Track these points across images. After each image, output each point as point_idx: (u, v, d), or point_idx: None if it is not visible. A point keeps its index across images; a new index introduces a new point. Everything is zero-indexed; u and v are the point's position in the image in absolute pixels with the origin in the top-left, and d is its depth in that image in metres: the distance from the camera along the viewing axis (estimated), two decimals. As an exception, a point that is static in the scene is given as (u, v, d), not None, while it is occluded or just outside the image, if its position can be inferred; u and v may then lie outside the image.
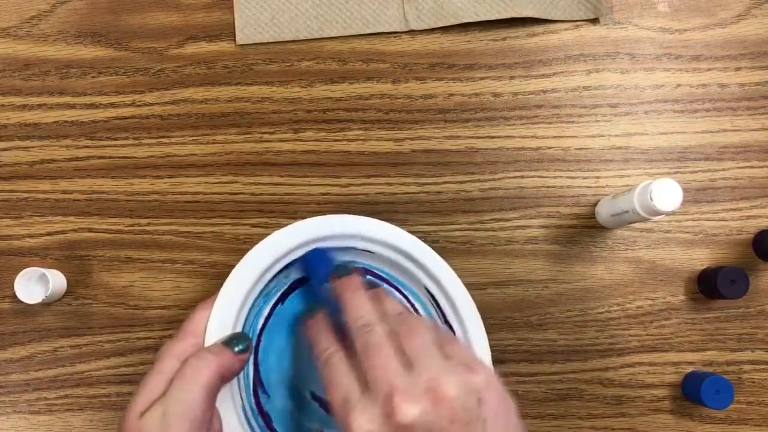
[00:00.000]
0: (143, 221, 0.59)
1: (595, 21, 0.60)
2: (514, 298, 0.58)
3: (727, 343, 0.57)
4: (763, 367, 0.57)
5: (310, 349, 0.44)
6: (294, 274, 0.49)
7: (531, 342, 0.58)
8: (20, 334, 0.58)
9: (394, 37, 0.60)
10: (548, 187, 0.59)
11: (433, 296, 0.51)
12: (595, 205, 0.58)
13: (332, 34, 0.59)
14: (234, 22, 0.60)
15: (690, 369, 0.57)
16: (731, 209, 0.58)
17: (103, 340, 0.58)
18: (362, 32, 0.59)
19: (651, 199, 0.48)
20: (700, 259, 0.58)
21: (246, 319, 0.45)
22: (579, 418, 0.57)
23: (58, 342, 0.58)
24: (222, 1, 0.60)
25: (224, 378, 0.40)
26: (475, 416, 0.33)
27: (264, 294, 0.47)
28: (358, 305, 0.40)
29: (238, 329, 0.44)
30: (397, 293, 0.51)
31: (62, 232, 0.59)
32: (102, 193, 0.59)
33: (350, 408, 0.35)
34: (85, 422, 0.58)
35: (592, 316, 0.58)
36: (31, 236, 0.59)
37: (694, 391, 0.55)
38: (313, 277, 0.47)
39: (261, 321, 0.47)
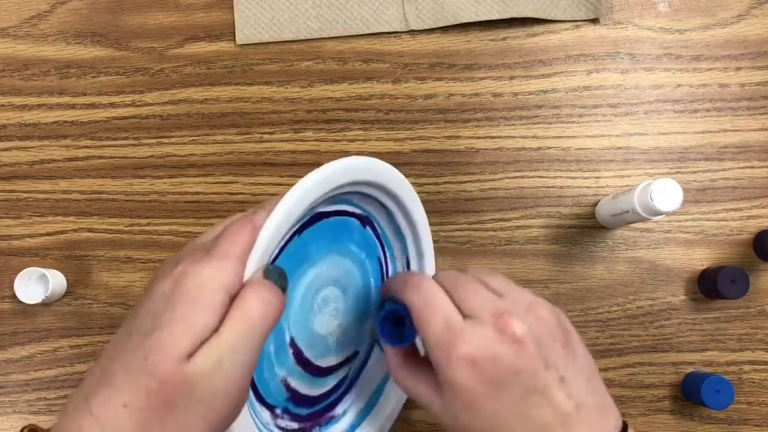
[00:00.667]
0: (143, 221, 0.59)
1: (595, 21, 0.60)
2: (514, 298, 0.58)
3: (727, 344, 0.57)
4: (763, 367, 0.57)
5: (311, 293, 0.45)
6: (318, 207, 0.44)
7: (531, 342, 0.58)
8: (20, 334, 0.58)
9: (394, 37, 0.60)
10: (548, 187, 0.59)
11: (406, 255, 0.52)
12: (595, 205, 0.58)
13: (332, 34, 0.59)
14: (234, 22, 0.60)
15: (690, 369, 0.57)
16: (731, 209, 0.58)
17: (103, 340, 0.58)
18: (362, 32, 0.59)
19: (651, 199, 0.48)
20: (700, 259, 0.58)
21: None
22: (579, 418, 0.57)
23: (58, 342, 0.58)
24: (222, 1, 0.60)
25: (275, 325, 0.35)
26: (565, 336, 0.38)
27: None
28: (414, 273, 0.42)
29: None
30: (381, 251, 0.51)
31: (62, 232, 0.59)
32: (102, 193, 0.59)
33: (457, 331, 0.36)
34: (85, 422, 0.58)
35: (593, 316, 0.58)
36: (31, 236, 0.59)
37: (694, 392, 0.55)
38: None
39: (275, 251, 0.42)
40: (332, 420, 0.51)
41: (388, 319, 0.44)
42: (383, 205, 0.48)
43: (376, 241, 0.51)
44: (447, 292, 0.39)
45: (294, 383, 0.47)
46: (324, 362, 0.48)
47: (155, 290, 0.33)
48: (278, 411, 0.47)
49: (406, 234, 0.51)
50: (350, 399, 0.52)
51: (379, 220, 0.50)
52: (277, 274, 0.35)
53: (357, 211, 0.48)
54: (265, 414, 0.46)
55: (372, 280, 0.50)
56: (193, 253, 0.35)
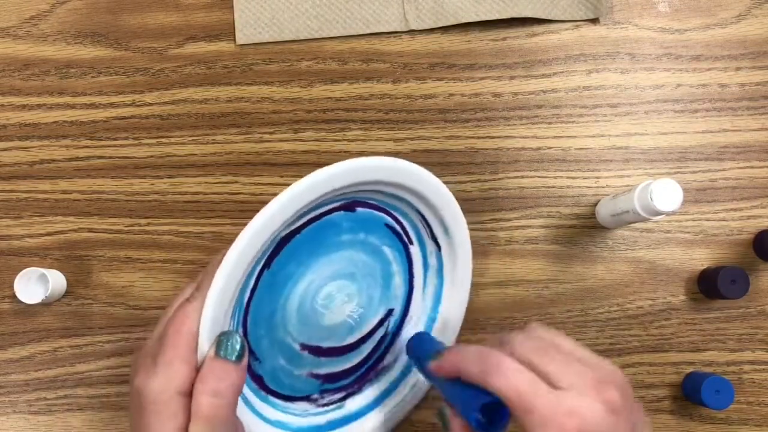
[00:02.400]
0: (143, 221, 0.59)
1: (595, 21, 0.60)
2: (514, 298, 0.58)
3: (727, 344, 0.57)
4: (763, 367, 0.57)
5: (308, 301, 0.47)
6: (280, 233, 0.44)
7: (531, 342, 0.58)
8: (20, 334, 0.58)
9: (394, 37, 0.60)
10: (548, 187, 0.59)
11: (423, 216, 0.51)
12: (595, 205, 0.58)
13: (332, 34, 0.59)
14: (234, 22, 0.60)
15: (690, 369, 0.57)
16: (731, 209, 0.58)
17: (103, 340, 0.58)
18: (362, 32, 0.59)
19: (651, 199, 0.48)
20: (700, 259, 0.58)
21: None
22: (579, 418, 0.57)
23: (58, 342, 0.58)
24: (222, 1, 0.60)
25: (239, 393, 0.39)
26: (634, 398, 0.39)
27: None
28: (475, 352, 0.40)
29: (228, 317, 0.41)
30: (387, 216, 0.50)
31: (62, 232, 0.59)
32: (102, 193, 0.59)
33: (562, 407, 0.36)
34: (85, 422, 0.58)
35: (593, 316, 0.58)
36: (31, 236, 0.59)
37: (694, 391, 0.55)
38: (423, 358, 0.46)
39: (247, 294, 0.45)
40: (383, 371, 0.53)
41: (485, 409, 0.40)
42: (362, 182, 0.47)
43: (376, 212, 0.50)
44: (530, 366, 0.38)
45: (323, 370, 0.50)
46: (353, 338, 0.51)
47: (130, 402, 0.38)
48: (315, 396, 0.50)
49: (403, 195, 0.49)
50: (396, 349, 0.54)
51: (364, 198, 0.49)
52: (227, 346, 0.38)
53: (336, 204, 0.47)
54: (300, 405, 0.49)
55: (385, 248, 0.51)
56: (144, 362, 0.38)
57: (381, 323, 0.52)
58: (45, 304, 0.58)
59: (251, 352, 0.46)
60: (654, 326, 0.58)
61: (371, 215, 0.50)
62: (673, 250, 0.58)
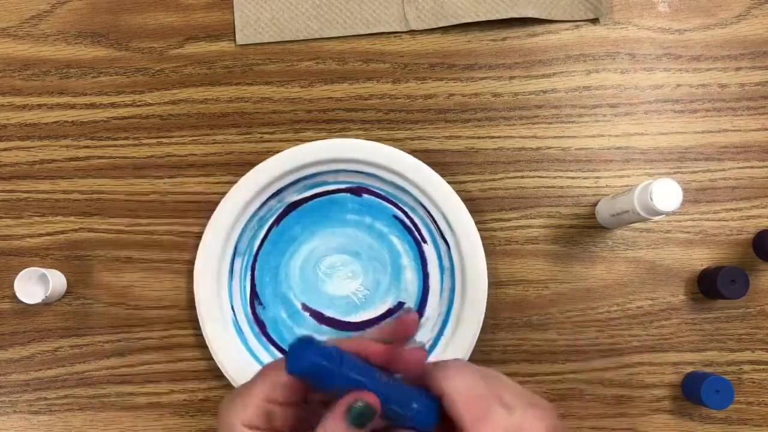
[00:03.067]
0: (143, 221, 0.59)
1: (595, 21, 0.60)
2: (514, 298, 0.58)
3: (727, 343, 0.57)
4: (763, 367, 0.57)
5: (310, 265, 0.56)
6: (288, 198, 0.57)
7: (531, 342, 0.58)
8: (20, 334, 0.58)
9: (394, 37, 0.60)
10: (548, 187, 0.59)
11: (429, 213, 0.56)
12: (595, 205, 0.58)
13: (332, 34, 0.59)
14: (234, 22, 0.60)
15: (690, 369, 0.57)
16: (731, 209, 0.58)
17: (103, 340, 0.58)
18: (362, 32, 0.59)
19: (651, 199, 0.48)
20: (700, 259, 0.58)
21: (242, 242, 0.56)
22: (579, 418, 0.57)
23: (58, 342, 0.58)
24: (222, 1, 0.60)
25: None
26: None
27: (258, 218, 0.57)
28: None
29: (229, 252, 0.55)
30: (396, 209, 0.57)
31: (62, 232, 0.59)
32: (102, 193, 0.59)
33: (505, 410, 0.36)
34: (85, 422, 0.58)
35: (593, 316, 0.58)
36: (31, 236, 0.59)
37: (694, 391, 0.55)
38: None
39: (257, 243, 0.57)
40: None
41: None
42: (366, 173, 0.56)
43: (384, 202, 0.57)
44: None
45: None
46: (356, 317, 0.56)
47: None
48: None
49: (408, 188, 0.55)
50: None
51: (371, 186, 0.56)
52: (358, 415, 0.35)
53: (343, 186, 0.57)
54: None
55: (393, 237, 0.57)
56: (232, 392, 0.38)
57: (390, 313, 0.55)
58: (45, 304, 0.58)
59: (256, 296, 0.56)
60: (654, 326, 0.58)
61: (378, 203, 0.57)
62: (673, 250, 0.58)
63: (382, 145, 0.55)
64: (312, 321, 0.56)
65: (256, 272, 0.57)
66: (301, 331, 0.56)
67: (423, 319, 0.56)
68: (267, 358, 0.56)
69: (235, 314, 0.56)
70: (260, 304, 0.57)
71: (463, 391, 0.37)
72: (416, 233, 0.57)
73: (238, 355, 0.55)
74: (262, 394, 0.36)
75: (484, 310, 0.55)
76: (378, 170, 0.55)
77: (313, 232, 0.57)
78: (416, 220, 0.57)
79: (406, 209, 0.57)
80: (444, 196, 0.55)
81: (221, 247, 0.55)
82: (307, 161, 0.55)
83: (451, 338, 0.54)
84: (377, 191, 0.56)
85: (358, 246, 0.56)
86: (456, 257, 0.55)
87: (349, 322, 0.56)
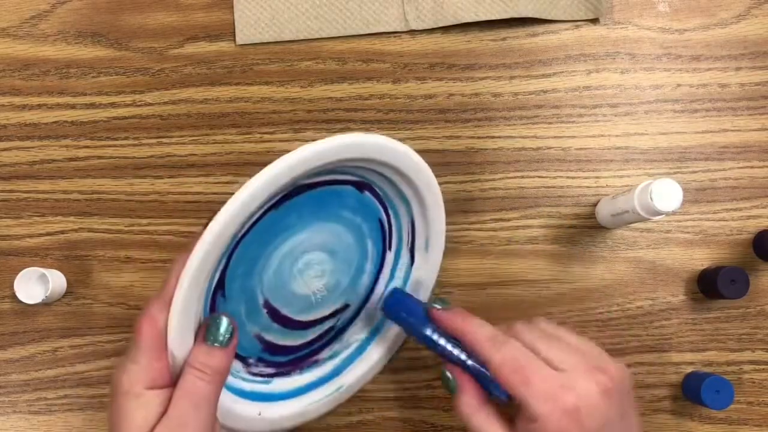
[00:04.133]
0: (143, 221, 0.59)
1: (595, 21, 0.60)
2: (514, 298, 0.58)
3: (727, 343, 0.57)
4: (763, 367, 0.57)
5: (290, 259, 0.47)
6: (284, 176, 0.42)
7: (531, 342, 0.58)
8: (20, 334, 0.58)
9: (394, 37, 0.60)
10: (548, 187, 0.59)
11: (413, 225, 0.52)
12: (595, 205, 0.58)
13: (332, 34, 0.59)
14: (234, 22, 0.60)
15: (690, 369, 0.57)
16: (731, 209, 0.58)
17: (103, 340, 0.58)
18: (362, 32, 0.59)
19: (651, 199, 0.48)
20: (700, 259, 0.58)
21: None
22: (579, 418, 0.57)
23: (58, 342, 0.58)
24: (222, 1, 0.60)
25: (224, 375, 0.41)
26: (630, 388, 0.42)
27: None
28: (485, 326, 0.44)
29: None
30: (383, 212, 0.51)
31: (62, 232, 0.59)
32: (102, 193, 0.59)
33: (560, 384, 0.39)
34: (85, 422, 0.58)
35: (593, 316, 0.58)
36: (31, 236, 0.59)
37: (694, 391, 0.55)
38: (412, 318, 0.49)
39: (243, 229, 0.44)
40: (314, 364, 0.53)
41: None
42: (382, 174, 0.48)
43: (376, 203, 0.51)
44: (533, 348, 0.41)
45: (269, 337, 0.50)
46: (306, 317, 0.51)
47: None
48: (251, 360, 0.50)
49: (409, 198, 0.50)
50: (336, 346, 0.54)
51: (378, 184, 0.50)
52: (214, 331, 0.41)
53: (352, 178, 0.48)
54: (237, 364, 0.49)
55: (369, 241, 0.51)
56: (122, 359, 0.40)
57: (334, 314, 0.52)
58: (45, 304, 0.58)
59: (221, 287, 0.46)
60: (654, 326, 0.58)
61: (372, 204, 0.50)
62: (673, 250, 0.58)
63: (412, 151, 0.47)
64: (267, 319, 0.49)
65: (231, 261, 0.45)
66: (250, 329, 0.49)
67: (356, 319, 0.54)
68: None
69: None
70: (222, 296, 0.46)
71: (499, 362, 0.41)
72: (387, 240, 0.52)
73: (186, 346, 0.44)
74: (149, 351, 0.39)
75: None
76: (395, 175, 0.48)
77: (306, 223, 0.47)
78: (394, 226, 0.52)
79: (391, 214, 0.52)
80: (438, 226, 0.52)
81: (193, 310, 0.42)
82: (343, 157, 0.44)
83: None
84: (378, 191, 0.50)
85: (338, 245, 0.49)
86: (415, 276, 0.53)
87: (297, 321, 0.51)
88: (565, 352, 0.41)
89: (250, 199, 0.40)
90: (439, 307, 0.46)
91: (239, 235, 0.44)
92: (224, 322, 0.41)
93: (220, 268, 0.45)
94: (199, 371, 0.39)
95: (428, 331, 0.47)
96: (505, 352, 0.41)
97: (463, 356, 0.45)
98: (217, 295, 0.46)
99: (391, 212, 0.52)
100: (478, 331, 0.43)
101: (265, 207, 0.44)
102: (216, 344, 0.40)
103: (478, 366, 0.44)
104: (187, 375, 0.39)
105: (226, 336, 0.41)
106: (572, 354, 0.41)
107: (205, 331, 0.41)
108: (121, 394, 0.38)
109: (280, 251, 0.47)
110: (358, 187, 0.49)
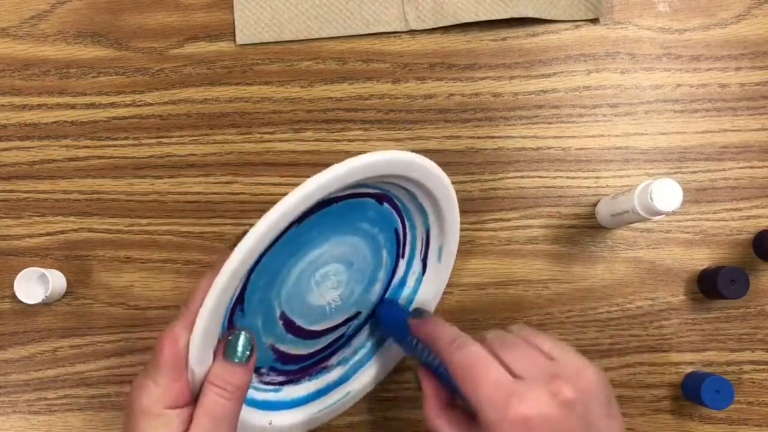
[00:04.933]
0: (143, 221, 0.59)
1: (595, 21, 0.60)
2: (514, 298, 0.58)
3: (727, 344, 0.57)
4: (763, 367, 0.57)
5: (309, 272, 0.47)
6: (317, 195, 0.41)
7: (531, 342, 0.58)
8: (20, 334, 0.58)
9: (394, 37, 0.60)
10: (548, 187, 0.59)
11: (428, 235, 0.52)
12: (595, 205, 0.58)
13: (332, 34, 0.59)
14: (234, 22, 0.60)
15: (690, 369, 0.57)
16: (731, 209, 0.58)
17: (103, 340, 0.58)
18: (362, 32, 0.59)
19: (651, 199, 0.48)
20: (700, 259, 0.58)
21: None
22: (579, 418, 0.57)
23: (58, 342, 0.58)
24: (222, 1, 0.60)
25: (244, 392, 0.41)
26: (608, 401, 0.39)
27: None
28: (452, 330, 0.43)
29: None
30: (400, 222, 0.51)
31: (62, 232, 0.59)
32: (102, 193, 0.59)
33: (511, 390, 0.37)
34: (85, 422, 0.58)
35: (593, 316, 0.58)
36: (31, 236, 0.59)
37: (694, 391, 0.55)
38: (395, 331, 0.50)
39: (267, 243, 0.42)
40: (324, 370, 0.53)
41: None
42: (403, 187, 0.48)
43: (395, 214, 0.50)
44: (495, 353, 0.40)
45: (283, 347, 0.50)
46: (319, 326, 0.51)
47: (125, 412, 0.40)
48: (264, 370, 0.50)
49: (427, 209, 0.50)
50: (346, 352, 0.54)
51: (399, 196, 0.49)
52: (234, 348, 0.40)
53: (372, 190, 0.48)
54: None
55: (384, 251, 0.51)
56: (141, 377, 0.40)
57: (346, 322, 0.52)
58: (45, 304, 0.58)
59: (240, 302, 0.45)
60: (654, 326, 0.58)
61: (390, 215, 0.50)
62: (673, 250, 0.58)
63: (437, 167, 0.47)
64: (281, 330, 0.49)
65: (253, 274, 0.45)
66: (266, 340, 0.49)
67: (364, 327, 0.54)
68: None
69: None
70: (241, 311, 0.46)
71: (458, 360, 0.40)
72: (401, 249, 0.53)
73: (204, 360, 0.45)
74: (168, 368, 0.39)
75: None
76: (417, 189, 0.48)
77: (328, 238, 0.47)
78: (409, 237, 0.52)
79: (407, 225, 0.52)
80: (452, 235, 0.52)
81: (214, 333, 0.42)
82: (371, 174, 0.43)
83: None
84: (397, 202, 0.50)
85: (355, 256, 0.49)
86: (425, 286, 0.53)
87: (310, 331, 0.51)
88: (529, 359, 0.39)
89: (280, 218, 0.39)
90: (415, 316, 0.47)
91: (263, 249, 0.42)
92: (244, 338, 0.41)
93: (242, 283, 0.44)
94: (220, 388, 0.39)
95: (408, 338, 0.47)
96: (462, 355, 0.40)
97: (436, 361, 0.44)
98: (236, 310, 0.46)
99: (407, 223, 0.52)
100: (443, 333, 0.42)
101: (288, 223, 0.42)
102: (236, 361, 0.40)
103: (446, 371, 0.43)
104: (208, 393, 0.39)
105: (246, 353, 0.41)
106: (537, 361, 0.39)
107: (224, 348, 0.41)
108: (141, 413, 0.38)
109: (300, 265, 0.47)
110: (378, 199, 0.49)
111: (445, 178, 0.48)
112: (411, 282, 0.54)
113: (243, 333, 0.41)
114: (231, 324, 0.46)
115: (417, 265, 0.53)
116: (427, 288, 0.53)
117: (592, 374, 0.38)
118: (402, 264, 0.53)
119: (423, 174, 0.46)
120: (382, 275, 0.52)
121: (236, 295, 0.45)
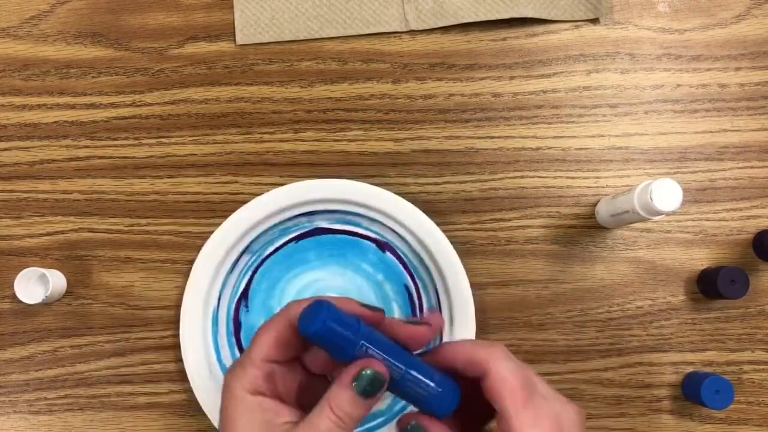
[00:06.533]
0: (143, 221, 0.59)
1: (595, 21, 0.60)
2: (514, 298, 0.58)
3: (727, 343, 0.57)
4: (763, 367, 0.57)
5: (307, 294, 0.54)
6: (318, 222, 0.57)
7: (531, 342, 0.58)
8: (20, 334, 0.58)
9: (394, 37, 0.60)
10: (548, 187, 0.59)
11: (437, 292, 0.56)
12: (595, 205, 0.58)
13: (332, 34, 0.59)
14: (234, 22, 0.60)
15: (690, 369, 0.57)
16: (731, 209, 0.58)
17: (103, 340, 0.58)
18: (362, 32, 0.59)
19: (651, 199, 0.48)
20: (700, 259, 0.58)
21: (257, 242, 0.56)
22: (579, 418, 0.57)
23: (58, 342, 0.58)
24: (222, 1, 0.60)
25: (357, 424, 0.37)
26: None
27: (281, 228, 0.56)
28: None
29: (240, 246, 0.54)
30: (409, 279, 0.57)
31: (62, 232, 0.59)
32: (102, 193, 0.59)
33: (543, 398, 0.36)
34: (85, 422, 0.58)
35: (592, 316, 0.58)
36: (31, 236, 0.59)
37: (694, 391, 0.55)
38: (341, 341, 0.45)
39: (270, 249, 0.57)
40: None
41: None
42: (398, 234, 0.54)
43: (402, 268, 0.56)
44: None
45: None
46: None
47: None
48: None
49: (428, 264, 0.55)
50: None
51: (400, 247, 0.56)
52: (362, 382, 0.35)
53: (371, 234, 0.56)
54: None
55: (394, 304, 0.56)
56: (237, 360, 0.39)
57: None
58: (45, 304, 0.58)
59: (245, 298, 0.55)
60: (654, 326, 0.58)
61: (395, 266, 0.56)
62: (673, 250, 0.58)
63: (426, 217, 0.54)
64: None
65: (256, 275, 0.56)
66: None
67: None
68: (228, 360, 0.56)
69: (218, 307, 0.56)
70: (245, 306, 0.56)
71: (509, 374, 0.36)
72: (417, 308, 0.56)
73: (203, 348, 0.54)
74: (258, 355, 0.37)
75: None
76: (405, 233, 0.55)
77: (324, 263, 0.56)
78: (423, 296, 0.56)
79: (419, 283, 0.56)
80: (458, 287, 0.54)
81: (235, 239, 0.55)
82: (351, 199, 0.55)
83: None
84: (399, 253, 0.56)
85: (359, 297, 0.52)
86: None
87: None
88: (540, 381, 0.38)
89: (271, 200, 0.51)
90: (404, 318, 0.44)
91: (266, 254, 0.56)
92: (375, 376, 0.36)
93: (247, 276, 0.56)
94: (339, 419, 0.36)
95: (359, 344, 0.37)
96: (509, 363, 0.37)
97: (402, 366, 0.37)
98: (240, 304, 0.56)
99: (419, 281, 0.56)
100: (465, 346, 0.39)
101: (287, 238, 0.56)
102: (364, 395, 0.36)
103: (419, 376, 0.37)
104: (325, 418, 0.35)
105: (371, 391, 0.36)
106: (545, 384, 0.38)
107: (354, 378, 0.36)
108: (228, 393, 0.37)
109: (299, 281, 0.56)
110: (378, 246, 0.56)
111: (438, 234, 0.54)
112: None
113: (376, 372, 0.36)
114: (236, 315, 0.53)
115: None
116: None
117: (573, 414, 0.37)
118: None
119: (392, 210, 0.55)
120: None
121: (242, 289, 0.56)
